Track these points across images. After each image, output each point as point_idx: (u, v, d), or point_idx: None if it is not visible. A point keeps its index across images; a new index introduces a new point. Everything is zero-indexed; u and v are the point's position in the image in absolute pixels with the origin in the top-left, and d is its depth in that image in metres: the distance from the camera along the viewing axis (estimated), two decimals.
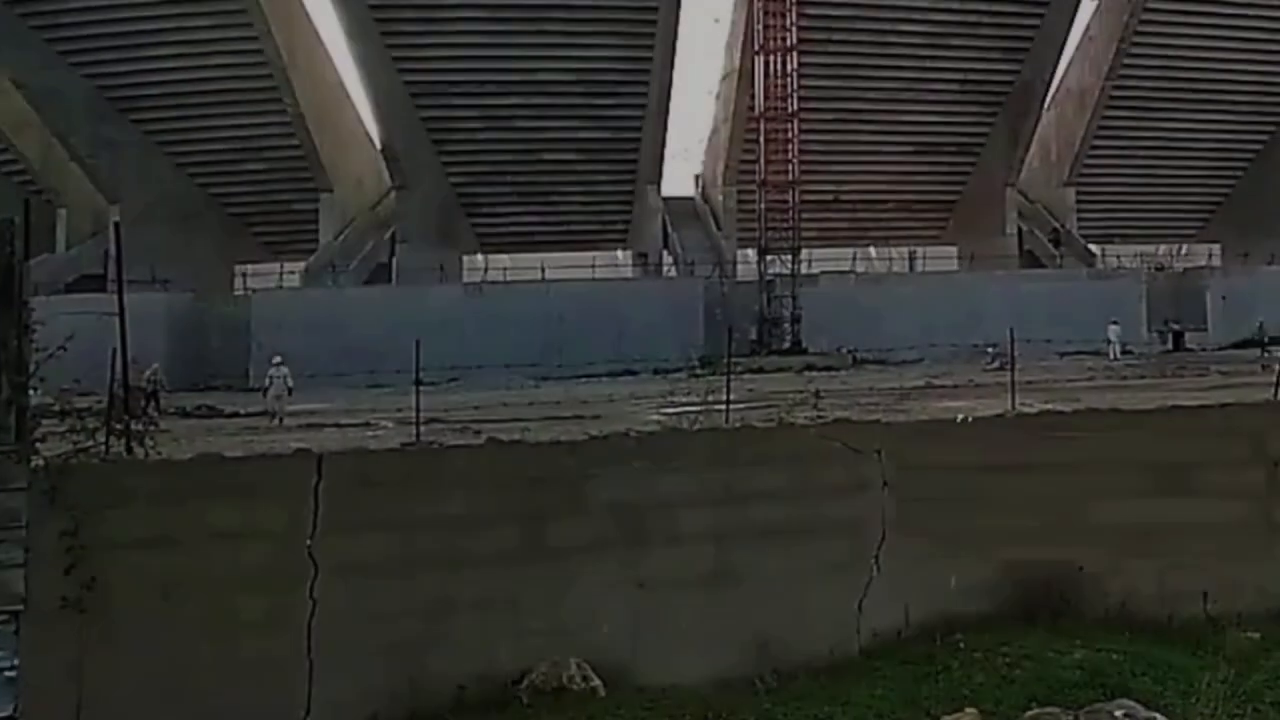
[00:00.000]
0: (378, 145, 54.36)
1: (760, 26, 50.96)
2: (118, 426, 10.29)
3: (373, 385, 32.36)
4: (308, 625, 9.81)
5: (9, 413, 8.57)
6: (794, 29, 50.80)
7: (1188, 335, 54.84)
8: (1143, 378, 38.10)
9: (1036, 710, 9.81)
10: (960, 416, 13.23)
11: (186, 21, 48.69)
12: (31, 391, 8.78)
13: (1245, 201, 64.86)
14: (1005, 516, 11.98)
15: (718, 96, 59.22)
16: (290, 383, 30.97)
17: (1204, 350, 52.66)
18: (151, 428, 10.89)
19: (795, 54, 50.94)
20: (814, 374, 39.98)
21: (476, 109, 52.84)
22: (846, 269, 56.48)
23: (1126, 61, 59.29)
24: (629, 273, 57.49)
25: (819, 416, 14.47)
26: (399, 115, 52.28)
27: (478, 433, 19.17)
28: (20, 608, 8.54)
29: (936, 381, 37.14)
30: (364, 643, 9.96)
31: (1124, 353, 48.58)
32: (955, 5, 55.44)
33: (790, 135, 51.26)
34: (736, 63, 54.82)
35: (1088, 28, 60.51)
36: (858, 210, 60.35)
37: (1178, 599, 12.02)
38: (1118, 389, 33.04)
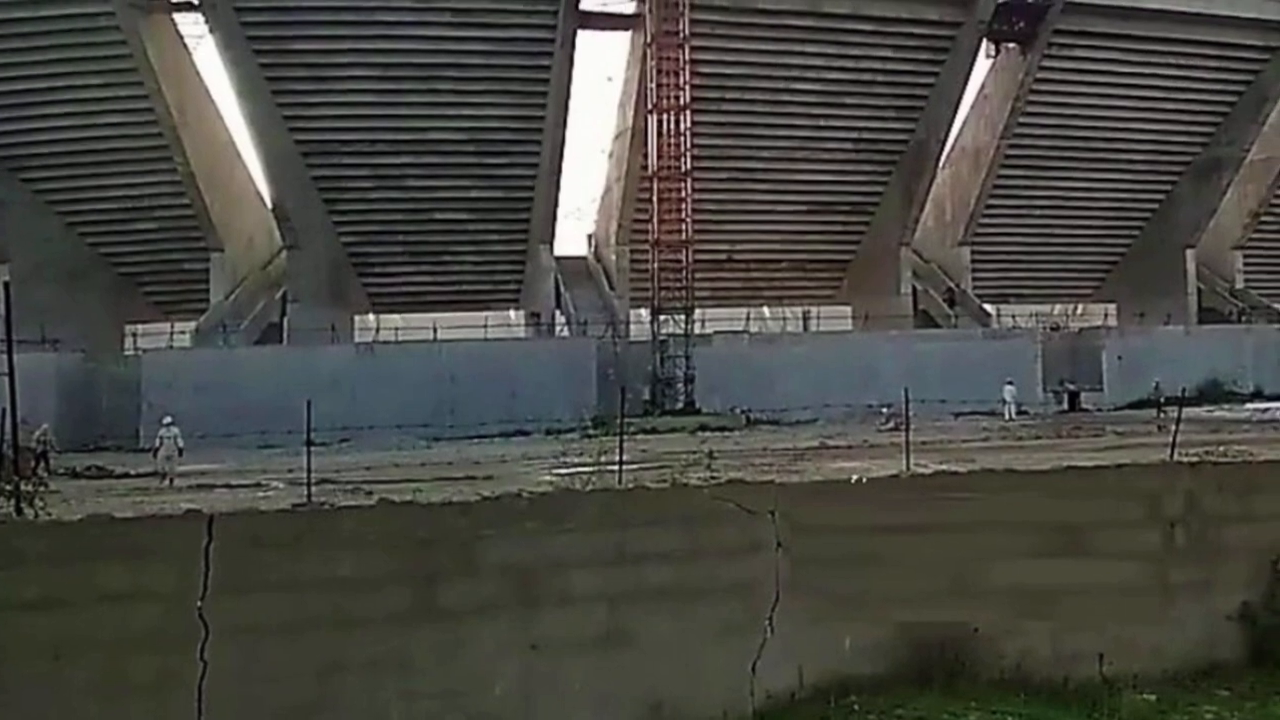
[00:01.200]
0: (269, 204, 54.45)
1: (653, 85, 51.56)
2: (7, 487, 10.33)
3: (264, 446, 32.70)
4: (198, 687, 9.85)
5: None
6: (687, 87, 51.17)
7: (1083, 395, 56.32)
8: (1038, 438, 38.80)
9: None
10: (854, 477, 13.23)
11: (76, 80, 48.86)
12: None
13: (1141, 261, 67.14)
14: (900, 578, 12.05)
15: (611, 155, 60.11)
16: (181, 443, 30.84)
17: (1100, 410, 54.20)
18: (41, 488, 10.97)
19: (689, 112, 51.37)
20: (707, 434, 41.96)
21: (368, 168, 53.32)
22: (740, 329, 57.25)
23: (1022, 120, 60.78)
24: (521, 333, 57.63)
25: (713, 477, 14.49)
26: (290, 174, 52.44)
27: (369, 493, 19.73)
28: None
29: (831, 442, 37.70)
30: (255, 705, 10.02)
31: (1019, 413, 49.48)
32: (850, 64, 56.64)
33: (684, 194, 51.52)
34: (630, 121, 55.75)
35: (983, 86, 62.24)
36: (751, 270, 61.20)
37: (1073, 661, 12.24)
38: (1013, 449, 33.66)
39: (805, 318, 63.75)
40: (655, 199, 51.76)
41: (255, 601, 10.19)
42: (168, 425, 31.15)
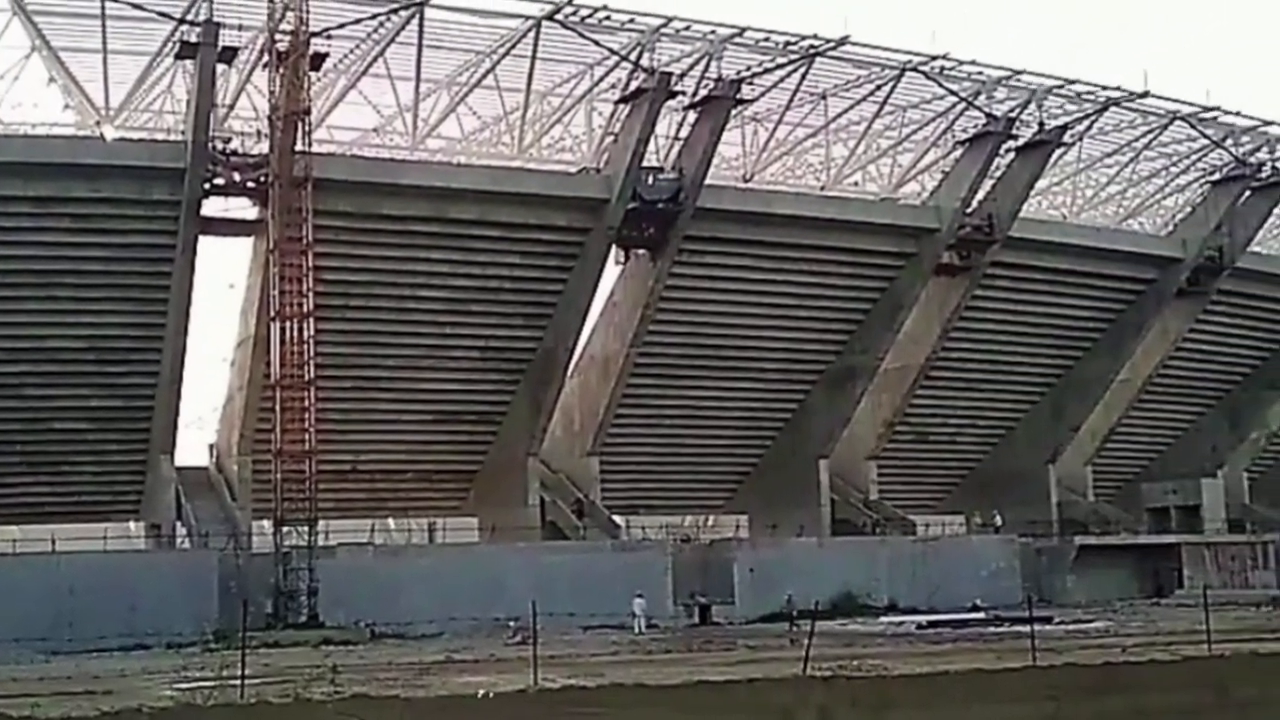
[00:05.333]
0: None
1: (276, 292, 57.12)
2: None
3: None
4: None
5: None
6: (311, 294, 57.13)
7: (715, 608, 63.40)
8: (669, 652, 44.56)
9: None
10: (481, 692, 14.41)
11: None
12: None
13: (774, 471, 77.13)
14: None
15: (233, 364, 66.21)
16: None
17: (732, 624, 61.37)
18: None
19: (312, 320, 57.19)
20: (331, 648, 47.91)
21: None
22: (365, 541, 64.79)
23: (652, 328, 70.11)
24: (142, 544, 63.42)
25: (337, 692, 16.36)
26: None
27: None
28: None
29: (457, 656, 43.18)
30: None
31: (650, 626, 56.83)
32: (477, 270, 65.67)
33: (307, 403, 57.07)
34: (252, 329, 62.12)
35: (612, 293, 71.38)
36: (376, 480, 68.98)
37: None
38: (643, 664, 38.61)
39: (431, 529, 71.56)
40: (278, 408, 57.02)
41: None
42: None
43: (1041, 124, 75.21)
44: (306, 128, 58.44)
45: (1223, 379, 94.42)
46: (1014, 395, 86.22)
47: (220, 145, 60.55)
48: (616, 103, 67.31)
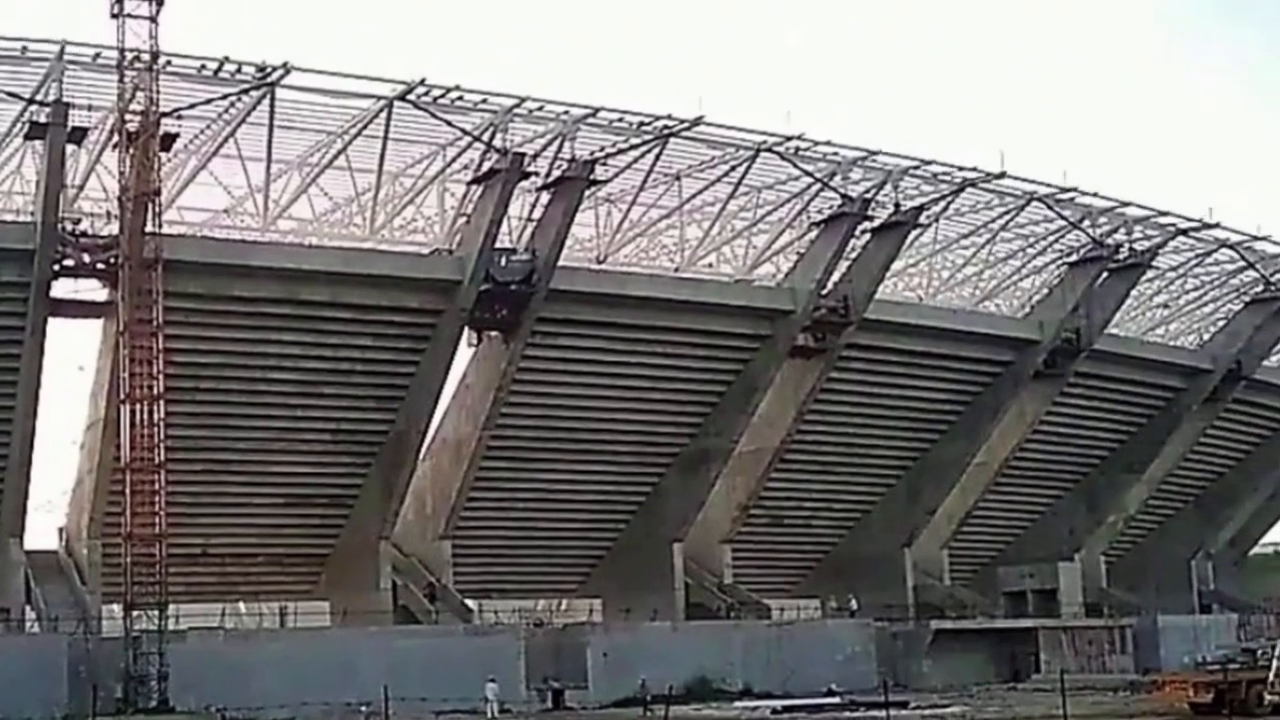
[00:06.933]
0: None
1: (126, 374, 59.22)
2: None
3: None
4: None
5: None
6: (161, 377, 59.25)
7: (568, 693, 66.17)
8: None
9: None
10: None
11: None
12: None
13: (628, 554, 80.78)
14: None
15: (83, 446, 68.17)
16: None
17: (585, 709, 64.45)
18: None
19: (163, 403, 59.27)
20: None
21: None
22: (216, 625, 67.00)
23: (505, 410, 73.05)
24: None
25: None
26: None
27: None
28: None
29: None
30: None
31: (502, 711, 59.68)
32: (328, 352, 68.63)
33: (157, 486, 58.94)
34: (102, 411, 64.08)
35: (464, 375, 74.40)
36: (227, 564, 71.48)
37: None
38: None
39: (282, 613, 74.05)
40: (128, 491, 58.93)
41: None
42: None
43: (897, 205, 78.92)
44: (157, 209, 60.73)
45: (1080, 462, 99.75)
46: (870, 478, 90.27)
47: (70, 226, 62.97)
48: (469, 183, 70.25)
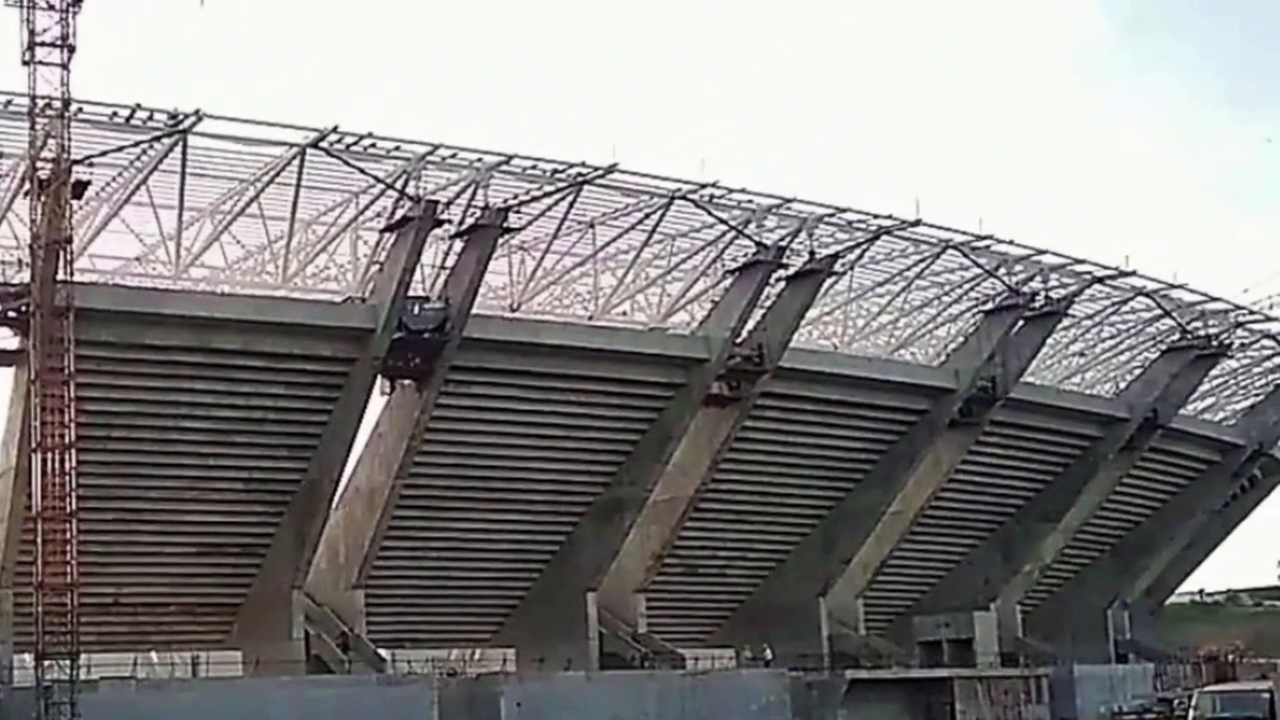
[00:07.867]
0: None
1: (38, 423, 59.60)
2: None
3: None
4: None
5: None
6: (73, 425, 59.56)
7: None
8: None
9: None
10: None
11: None
12: None
13: (541, 604, 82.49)
14: None
15: None
16: None
17: None
18: None
19: (74, 451, 59.54)
20: None
21: None
22: (128, 675, 67.65)
23: (418, 459, 74.48)
24: None
25: None
26: None
27: None
28: None
29: None
30: None
31: None
32: (240, 401, 70.00)
33: (69, 535, 59.19)
34: (13, 460, 64.82)
35: (377, 424, 75.58)
36: (139, 613, 72.69)
37: None
38: None
39: (195, 663, 74.80)
40: (39, 540, 59.32)
41: None
42: None
43: (812, 253, 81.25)
44: (68, 256, 61.59)
45: (996, 511, 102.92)
46: (784, 527, 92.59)
47: None
48: (382, 231, 71.99)
